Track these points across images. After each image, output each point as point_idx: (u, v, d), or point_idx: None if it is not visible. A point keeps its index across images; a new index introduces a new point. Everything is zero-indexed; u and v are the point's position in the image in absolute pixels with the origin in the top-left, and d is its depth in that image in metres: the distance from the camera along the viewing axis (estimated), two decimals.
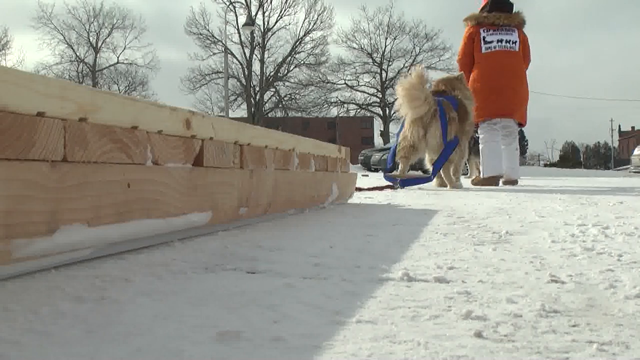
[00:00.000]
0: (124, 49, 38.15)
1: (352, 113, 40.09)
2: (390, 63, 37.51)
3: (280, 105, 36.64)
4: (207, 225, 1.69)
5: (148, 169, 1.37)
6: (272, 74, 35.54)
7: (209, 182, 1.66)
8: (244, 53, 35.23)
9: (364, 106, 38.35)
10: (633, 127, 74.22)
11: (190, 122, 1.58)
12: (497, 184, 5.91)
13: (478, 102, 5.44)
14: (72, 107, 1.12)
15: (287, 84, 36.69)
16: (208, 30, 34.72)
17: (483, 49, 5.79)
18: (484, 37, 5.74)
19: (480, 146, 6.10)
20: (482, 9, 6.01)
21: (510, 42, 5.76)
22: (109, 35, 37.76)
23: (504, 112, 5.84)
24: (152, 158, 1.40)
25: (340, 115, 40.38)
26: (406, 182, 5.20)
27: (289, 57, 35.71)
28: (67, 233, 1.07)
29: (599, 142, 79.63)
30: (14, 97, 0.98)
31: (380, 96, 37.12)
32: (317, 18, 35.66)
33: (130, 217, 1.27)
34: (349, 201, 3.57)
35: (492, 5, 5.85)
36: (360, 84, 37.84)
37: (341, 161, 3.37)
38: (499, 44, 5.73)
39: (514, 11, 5.96)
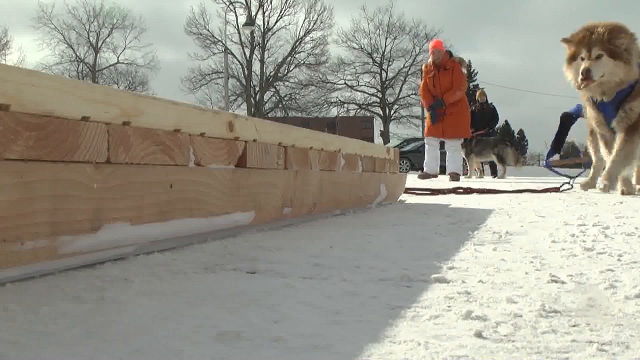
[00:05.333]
0: (124, 49, 38.03)
1: (352, 113, 40.05)
2: (390, 63, 37.52)
3: (280, 105, 36.65)
4: (251, 224, 1.72)
5: (190, 170, 1.41)
6: (272, 74, 35.55)
7: (252, 183, 1.69)
8: (244, 53, 35.26)
9: (364, 106, 38.33)
10: None
11: (233, 125, 1.62)
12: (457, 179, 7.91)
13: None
14: (116, 112, 1.17)
15: (287, 84, 36.73)
16: (208, 30, 34.74)
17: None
18: None
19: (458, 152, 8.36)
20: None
21: None
22: (109, 35, 37.70)
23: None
24: (194, 159, 1.43)
25: (340, 115, 40.35)
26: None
27: (289, 57, 35.72)
28: (110, 231, 1.12)
29: None
30: (59, 103, 1.02)
31: (380, 96, 37.12)
32: (317, 18, 35.69)
33: (172, 216, 1.32)
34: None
35: None
36: (360, 84, 37.86)
37: (390, 162, 3.40)
38: None
39: None
